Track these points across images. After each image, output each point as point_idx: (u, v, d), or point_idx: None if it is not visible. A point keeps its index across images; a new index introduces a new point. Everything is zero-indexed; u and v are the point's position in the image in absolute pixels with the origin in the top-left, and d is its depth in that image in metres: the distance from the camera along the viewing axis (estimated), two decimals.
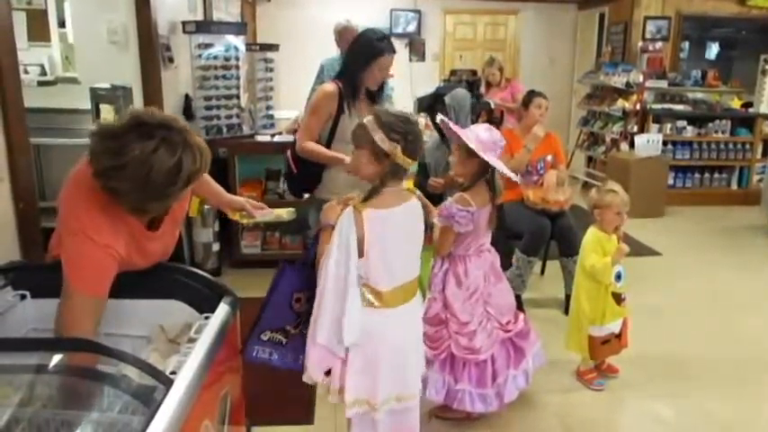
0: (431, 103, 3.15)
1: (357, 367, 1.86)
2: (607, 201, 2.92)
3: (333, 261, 1.79)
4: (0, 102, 2.00)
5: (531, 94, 4.05)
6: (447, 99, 3.01)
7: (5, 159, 2.02)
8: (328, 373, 1.88)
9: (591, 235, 2.99)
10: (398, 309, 1.94)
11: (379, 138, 1.82)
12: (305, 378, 1.89)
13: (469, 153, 2.36)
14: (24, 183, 2.13)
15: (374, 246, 1.83)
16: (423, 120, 5.10)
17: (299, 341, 1.96)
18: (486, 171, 2.44)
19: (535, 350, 2.73)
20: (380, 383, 1.89)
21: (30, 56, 5.23)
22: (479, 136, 2.37)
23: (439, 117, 2.65)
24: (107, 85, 3.77)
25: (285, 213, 2.22)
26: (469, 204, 2.40)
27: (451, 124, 2.44)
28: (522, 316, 2.73)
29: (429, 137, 4.75)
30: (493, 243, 2.66)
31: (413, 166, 1.97)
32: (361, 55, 2.81)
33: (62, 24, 5.36)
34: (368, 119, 1.88)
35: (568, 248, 3.71)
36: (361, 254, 1.81)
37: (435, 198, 2.73)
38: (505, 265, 3.37)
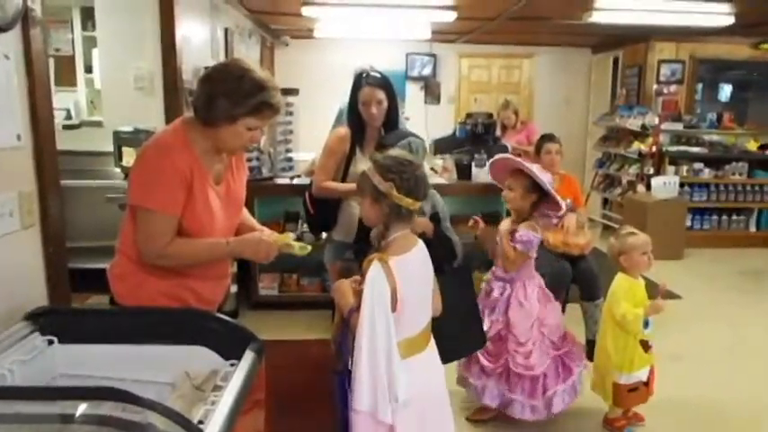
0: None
1: (414, 426, 1.85)
2: (630, 243, 2.89)
3: (367, 321, 1.76)
4: (34, 149, 2.03)
5: (541, 140, 4.06)
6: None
7: (37, 204, 2.05)
8: None
9: (621, 282, 2.92)
10: (426, 353, 1.94)
11: (377, 180, 1.88)
12: None
13: (528, 190, 2.78)
14: (54, 227, 2.14)
15: (407, 293, 1.82)
16: (441, 162, 5.14)
17: None
18: (539, 204, 2.83)
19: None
20: None
21: (56, 100, 5.35)
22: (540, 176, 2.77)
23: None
24: (130, 129, 3.85)
25: (298, 248, 2.04)
26: (536, 231, 2.80)
27: (533, 168, 2.79)
28: (569, 335, 3.01)
29: (448, 179, 4.77)
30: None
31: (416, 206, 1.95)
32: (351, 91, 3.05)
33: (88, 70, 5.50)
34: (368, 166, 1.95)
35: (590, 292, 3.68)
36: (393, 307, 1.80)
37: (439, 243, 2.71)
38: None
